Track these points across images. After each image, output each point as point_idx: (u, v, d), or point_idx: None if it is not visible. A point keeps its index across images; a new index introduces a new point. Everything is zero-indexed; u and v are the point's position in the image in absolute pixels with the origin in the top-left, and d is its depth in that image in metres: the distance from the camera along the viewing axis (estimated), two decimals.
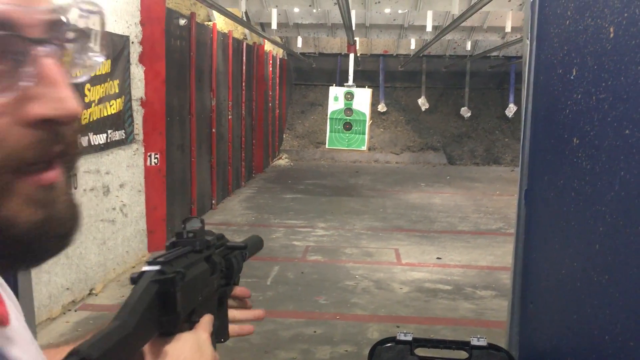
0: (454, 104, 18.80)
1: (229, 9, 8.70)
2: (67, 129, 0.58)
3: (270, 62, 14.85)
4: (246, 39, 12.20)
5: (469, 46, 15.15)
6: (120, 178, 6.20)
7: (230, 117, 10.93)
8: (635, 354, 1.16)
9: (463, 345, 2.11)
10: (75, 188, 5.29)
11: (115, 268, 6.13)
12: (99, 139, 5.68)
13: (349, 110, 10.84)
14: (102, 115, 5.72)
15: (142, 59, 6.57)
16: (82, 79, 0.61)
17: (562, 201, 1.62)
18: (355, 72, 11.49)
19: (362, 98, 10.87)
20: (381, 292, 6.06)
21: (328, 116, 11.05)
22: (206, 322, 0.86)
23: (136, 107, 6.56)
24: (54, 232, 0.57)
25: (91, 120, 5.50)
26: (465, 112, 18.43)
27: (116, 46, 5.95)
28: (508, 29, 10.90)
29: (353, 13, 9.37)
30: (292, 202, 10.88)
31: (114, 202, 6.06)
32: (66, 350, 0.61)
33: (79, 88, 5.21)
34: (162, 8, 6.83)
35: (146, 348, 0.77)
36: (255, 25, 11.46)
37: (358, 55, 15.89)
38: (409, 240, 8.21)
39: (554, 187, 1.71)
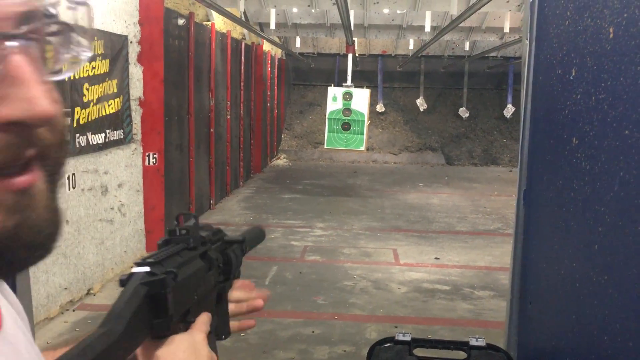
0: (452, 105, 18.81)
1: (228, 9, 8.69)
2: (43, 131, 0.53)
3: (269, 62, 14.85)
4: (245, 39, 12.19)
5: (467, 47, 15.16)
6: (118, 178, 6.19)
7: (228, 117, 10.92)
8: (635, 354, 1.16)
9: (462, 345, 2.11)
10: (74, 188, 5.28)
11: (114, 268, 6.12)
12: (98, 138, 5.67)
13: (347, 110, 10.84)
14: (100, 115, 5.71)
15: (140, 59, 6.56)
16: (66, 74, 0.57)
17: (562, 201, 1.62)
18: (353, 72, 11.50)
19: (361, 98, 10.88)
20: (379, 292, 6.06)
21: (326, 116, 11.05)
22: (202, 322, 0.83)
23: (134, 106, 6.55)
24: (29, 240, 0.53)
25: (89, 119, 5.49)
26: (464, 112, 18.45)
27: (115, 46, 5.94)
28: (506, 30, 10.92)
29: (352, 13, 9.37)
30: (291, 202, 10.88)
31: (112, 201, 6.06)
32: (63, 351, 0.60)
33: (77, 87, 5.21)
34: (160, 8, 6.82)
35: (139, 352, 0.75)
36: (253, 25, 11.46)
37: (356, 55, 15.89)
38: (407, 240, 8.21)
39: (553, 188, 1.71)
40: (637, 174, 1.17)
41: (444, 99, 18.99)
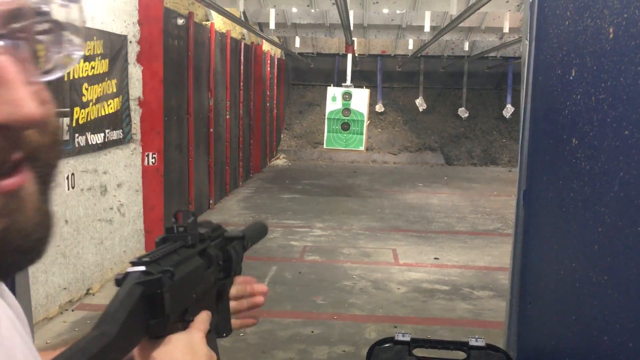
0: (452, 105, 18.81)
1: (227, 9, 8.69)
2: (32, 133, 0.51)
3: (268, 62, 14.85)
4: (244, 38, 12.19)
5: (466, 47, 15.16)
6: (117, 178, 6.19)
7: (228, 117, 10.92)
8: (635, 354, 1.16)
9: (461, 345, 2.11)
10: (73, 188, 5.28)
11: (113, 268, 6.11)
12: (97, 138, 5.67)
13: (346, 110, 10.84)
14: (99, 115, 5.71)
15: (139, 59, 6.56)
16: (58, 74, 0.54)
17: (561, 202, 1.62)
18: (353, 72, 11.50)
19: (360, 98, 10.88)
20: (379, 292, 6.06)
21: (326, 116, 11.05)
22: (201, 320, 0.81)
23: (134, 106, 6.55)
24: (18, 244, 0.52)
25: (89, 119, 5.49)
26: (463, 112, 18.45)
27: (114, 45, 5.94)
28: (506, 30, 10.92)
29: (351, 13, 9.37)
30: (290, 202, 10.88)
31: (111, 201, 6.05)
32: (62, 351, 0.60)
33: (76, 87, 5.20)
34: (160, 7, 6.82)
35: (136, 352, 0.74)
36: (253, 25, 11.46)
37: (356, 55, 15.89)
38: (406, 240, 8.21)
39: (552, 188, 1.71)
40: (637, 174, 1.17)
41: (444, 99, 19.00)
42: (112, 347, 0.62)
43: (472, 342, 2.07)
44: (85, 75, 5.38)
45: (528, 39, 1.92)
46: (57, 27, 0.52)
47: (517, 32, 11.61)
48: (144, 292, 0.70)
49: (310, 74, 19.01)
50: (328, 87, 11.34)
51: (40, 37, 0.52)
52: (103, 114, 5.78)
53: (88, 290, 5.66)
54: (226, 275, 0.96)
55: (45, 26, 0.52)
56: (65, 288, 5.23)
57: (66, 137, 5.08)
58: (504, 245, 7.65)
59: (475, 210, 10.54)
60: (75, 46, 0.54)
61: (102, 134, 5.78)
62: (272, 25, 10.63)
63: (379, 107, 18.34)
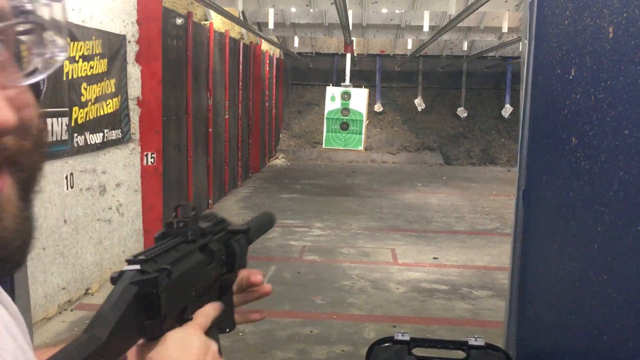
0: (451, 104, 18.82)
1: (226, 9, 8.69)
2: (8, 140, 0.49)
3: (267, 61, 14.84)
4: (243, 38, 12.19)
5: (465, 46, 15.18)
6: (116, 177, 6.18)
7: (226, 116, 10.92)
8: (635, 354, 1.16)
9: (461, 345, 2.11)
10: (72, 187, 5.27)
11: (112, 268, 6.11)
12: (96, 138, 5.66)
13: (345, 110, 10.85)
14: (98, 115, 5.70)
15: (138, 58, 6.55)
16: (39, 77, 0.51)
17: (561, 201, 1.62)
18: (352, 72, 11.50)
19: (359, 98, 10.88)
20: (378, 292, 6.06)
21: (325, 116, 11.05)
22: (201, 314, 0.79)
23: (133, 106, 6.55)
24: None
25: (87, 119, 5.48)
26: (462, 112, 18.46)
27: (113, 45, 5.93)
28: (505, 30, 10.93)
29: (350, 13, 9.37)
30: (289, 202, 10.87)
31: (110, 201, 6.05)
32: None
33: (75, 86, 5.20)
34: (158, 7, 6.81)
35: (133, 353, 0.72)
36: (252, 25, 11.45)
37: (355, 55, 15.89)
38: (405, 240, 8.21)
39: (552, 187, 1.71)
40: (637, 173, 1.17)
41: (442, 98, 19.00)
42: (103, 351, 0.60)
43: (472, 342, 2.07)
44: (84, 75, 5.37)
45: (527, 38, 1.92)
46: (40, 28, 0.50)
47: (516, 32, 11.62)
48: (139, 292, 0.68)
49: (309, 73, 19.01)
50: (327, 87, 11.34)
51: (23, 38, 0.50)
52: (102, 113, 5.78)
53: (87, 290, 5.65)
54: (229, 270, 0.93)
55: (28, 26, 0.49)
56: (64, 288, 5.23)
57: (65, 136, 5.07)
58: (502, 244, 7.66)
59: (474, 210, 10.54)
60: (58, 47, 0.52)
61: (101, 134, 5.77)
62: (271, 25, 10.63)
63: (378, 107, 18.34)
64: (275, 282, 6.24)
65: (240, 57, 11.87)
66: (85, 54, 5.35)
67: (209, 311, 0.80)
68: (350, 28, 9.97)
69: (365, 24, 12.36)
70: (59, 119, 4.96)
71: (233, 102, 11.51)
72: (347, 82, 10.96)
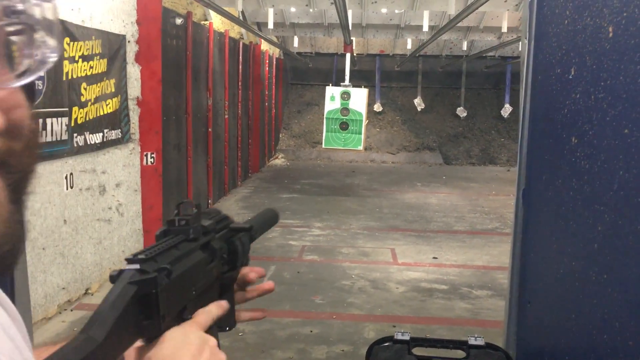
0: (450, 104, 18.82)
1: (226, 8, 8.69)
2: None
3: (267, 61, 14.84)
4: (243, 38, 12.18)
5: (465, 46, 15.18)
6: (116, 177, 6.18)
7: (226, 116, 10.92)
8: (635, 353, 1.16)
9: (461, 344, 2.11)
10: (72, 187, 5.27)
11: (112, 267, 6.11)
12: (95, 138, 5.66)
13: (345, 110, 10.85)
14: (98, 115, 5.70)
15: (138, 58, 6.55)
16: (30, 78, 0.50)
17: (561, 200, 1.62)
18: (351, 71, 11.50)
19: (359, 98, 10.88)
20: (377, 291, 6.06)
21: (324, 116, 11.06)
22: (202, 312, 0.78)
23: (132, 106, 6.55)
24: None
25: (87, 119, 5.48)
26: (461, 112, 18.47)
27: (112, 45, 5.93)
28: (504, 29, 10.93)
29: (349, 13, 9.37)
30: (289, 201, 10.87)
31: (110, 201, 6.05)
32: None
33: (74, 86, 5.20)
34: (158, 7, 6.81)
35: (134, 353, 0.72)
36: (251, 25, 11.45)
37: (354, 55, 15.89)
38: (405, 240, 8.21)
39: (552, 187, 1.71)
40: (637, 173, 1.17)
41: (442, 98, 19.00)
42: (99, 353, 0.60)
43: (472, 341, 2.07)
44: (83, 75, 5.37)
45: (527, 38, 1.92)
46: (31, 28, 0.49)
47: (515, 32, 11.62)
48: (138, 292, 0.67)
49: (308, 73, 19.01)
50: (326, 87, 11.34)
51: (13, 39, 0.49)
52: (101, 113, 5.78)
53: (87, 290, 5.65)
54: (231, 268, 0.93)
55: (18, 27, 0.48)
56: (64, 288, 5.23)
57: (65, 136, 5.07)
58: (502, 244, 7.66)
59: (473, 209, 10.54)
60: (50, 48, 0.51)
61: (101, 134, 5.77)
62: (270, 25, 10.63)
63: (378, 107, 18.34)
64: (275, 282, 6.18)
65: (240, 57, 11.87)
66: (85, 54, 5.35)
67: (211, 310, 0.79)
68: (350, 28, 9.97)
69: (364, 23, 12.36)
70: (59, 119, 4.95)
71: (233, 102, 11.51)
72: (347, 82, 10.96)
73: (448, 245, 7.95)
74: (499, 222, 9.50)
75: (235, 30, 11.48)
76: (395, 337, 2.14)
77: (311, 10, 10.86)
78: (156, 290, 0.68)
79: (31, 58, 0.50)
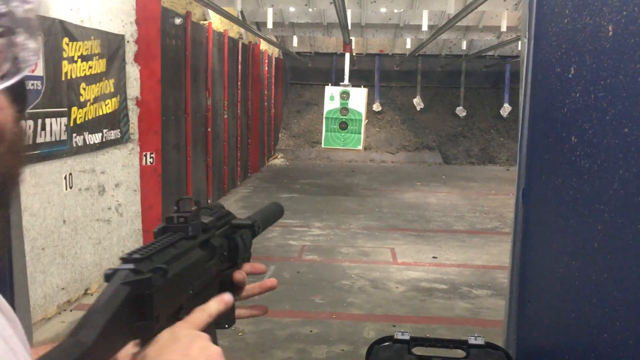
0: (450, 104, 18.83)
1: (225, 8, 8.68)
2: None
3: (266, 61, 14.84)
4: (242, 38, 12.18)
5: (464, 46, 15.18)
6: (115, 177, 6.18)
7: (225, 116, 10.91)
8: (635, 352, 1.15)
9: (461, 344, 2.11)
10: (71, 188, 5.27)
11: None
12: (94, 138, 5.66)
13: (344, 109, 10.84)
14: (97, 115, 5.70)
15: (137, 58, 6.55)
16: (10, 81, 0.49)
17: (561, 200, 1.62)
18: (350, 71, 11.49)
19: (358, 97, 10.88)
20: (377, 291, 6.05)
21: (324, 115, 11.05)
22: (199, 309, 0.76)
23: (131, 106, 6.54)
24: None
25: (86, 119, 5.48)
26: (461, 111, 18.47)
27: (111, 45, 5.93)
28: (503, 29, 10.92)
29: (349, 12, 9.37)
30: (288, 201, 10.87)
31: (109, 201, 6.04)
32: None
33: (73, 86, 5.19)
34: (157, 7, 6.81)
35: (129, 354, 0.71)
36: (250, 25, 11.45)
37: (354, 54, 15.89)
38: (404, 239, 8.21)
39: (552, 186, 1.71)
40: (637, 172, 1.17)
41: (441, 98, 19.01)
42: (88, 357, 0.58)
43: (472, 341, 2.07)
44: (82, 75, 5.36)
45: (527, 37, 1.92)
46: (11, 31, 0.48)
47: (514, 31, 11.62)
48: (131, 292, 0.65)
49: (308, 73, 19.01)
50: (326, 87, 11.33)
51: None
52: (101, 113, 5.77)
53: (86, 290, 5.65)
54: (231, 265, 0.91)
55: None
56: (63, 288, 5.22)
57: (64, 137, 5.07)
58: (502, 243, 7.66)
59: (473, 209, 10.54)
60: (31, 51, 0.50)
61: (100, 134, 5.77)
62: (269, 25, 10.62)
63: (377, 106, 18.34)
64: None
65: (239, 57, 11.86)
66: (84, 53, 5.35)
67: (209, 306, 0.77)
68: (349, 27, 9.96)
69: (364, 23, 12.36)
70: (58, 119, 4.95)
71: (232, 102, 11.51)
72: (346, 81, 10.95)
73: (448, 245, 7.95)
74: (498, 221, 9.50)
75: (234, 30, 11.48)
76: (395, 337, 2.14)
77: (310, 9, 10.86)
78: (150, 291, 0.66)
79: (11, 61, 0.49)
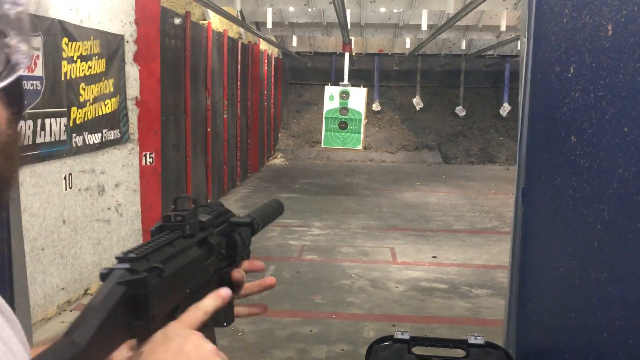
0: (449, 103, 18.83)
1: (224, 8, 8.68)
2: None
3: (266, 61, 14.84)
4: (241, 38, 12.18)
5: (463, 45, 15.17)
6: (115, 177, 6.18)
7: (225, 116, 10.91)
8: (635, 351, 1.15)
9: (460, 343, 2.11)
10: (71, 188, 5.27)
11: None
12: (94, 138, 5.66)
13: (344, 109, 10.84)
14: (97, 115, 5.69)
15: (137, 58, 6.55)
16: (3, 83, 0.49)
17: (560, 199, 1.62)
18: (350, 71, 11.49)
19: (358, 97, 10.88)
20: (377, 291, 6.06)
21: (323, 115, 11.05)
22: (195, 307, 0.75)
23: (131, 106, 6.54)
24: None
25: (86, 119, 5.48)
26: (460, 111, 18.47)
27: (111, 45, 5.93)
28: (503, 28, 10.92)
29: (348, 12, 9.36)
30: (288, 201, 10.86)
31: (109, 201, 6.04)
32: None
33: (73, 87, 5.19)
34: (157, 7, 6.80)
35: (123, 353, 0.70)
36: (250, 24, 11.45)
37: (353, 54, 15.89)
38: (404, 239, 8.21)
39: (551, 185, 1.71)
40: (637, 171, 1.17)
41: (441, 97, 19.01)
42: (82, 357, 0.58)
43: (472, 340, 2.07)
44: (82, 75, 5.36)
45: (526, 36, 1.92)
46: (2, 34, 0.48)
47: (514, 31, 11.62)
48: (127, 292, 0.65)
49: (307, 73, 19.01)
50: (325, 86, 11.33)
51: None
52: (100, 113, 5.77)
53: (86, 290, 5.65)
54: (230, 263, 0.90)
55: None
56: (63, 288, 5.22)
57: (63, 137, 5.07)
58: (502, 243, 7.66)
59: (473, 208, 10.54)
60: (23, 54, 0.49)
61: (100, 134, 5.77)
62: (269, 25, 10.62)
63: (376, 106, 18.34)
64: None
65: (239, 57, 11.86)
66: (84, 54, 5.35)
67: (205, 304, 0.76)
68: (349, 27, 9.96)
69: (363, 23, 12.35)
70: (57, 119, 4.95)
71: (232, 102, 11.51)
72: (346, 81, 10.95)
73: (447, 244, 7.95)
74: (498, 220, 9.50)
75: (233, 30, 11.47)
76: (395, 337, 2.14)
77: (310, 9, 10.86)
78: (146, 290, 0.66)
79: (3, 63, 0.49)
